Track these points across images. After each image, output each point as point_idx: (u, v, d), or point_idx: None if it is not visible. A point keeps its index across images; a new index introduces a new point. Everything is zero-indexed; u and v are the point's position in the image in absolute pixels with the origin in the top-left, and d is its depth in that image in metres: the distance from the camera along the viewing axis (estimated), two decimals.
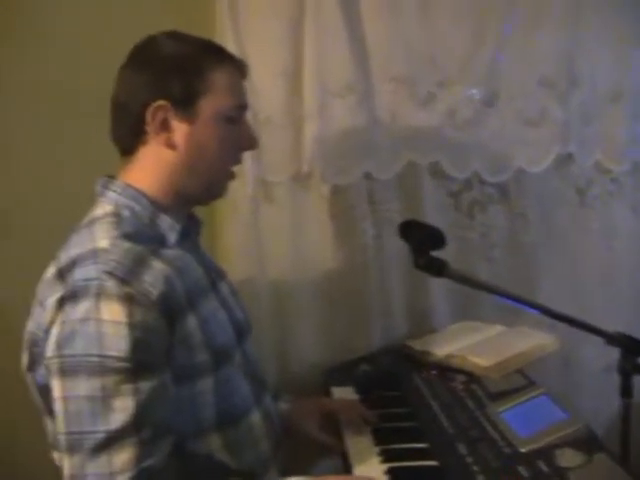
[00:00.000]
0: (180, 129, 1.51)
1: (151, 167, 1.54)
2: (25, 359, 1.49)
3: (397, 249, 2.47)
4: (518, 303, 1.60)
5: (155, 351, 1.36)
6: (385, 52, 2.39)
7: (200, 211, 2.21)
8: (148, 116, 1.49)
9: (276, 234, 2.35)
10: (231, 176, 1.64)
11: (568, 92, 2.63)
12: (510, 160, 2.61)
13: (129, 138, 1.55)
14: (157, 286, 1.37)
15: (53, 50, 2.08)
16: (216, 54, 1.56)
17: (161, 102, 1.49)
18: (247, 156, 2.21)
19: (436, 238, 1.53)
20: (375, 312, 2.50)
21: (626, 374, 1.69)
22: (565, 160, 2.71)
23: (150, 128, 1.51)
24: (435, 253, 1.59)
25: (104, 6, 2.13)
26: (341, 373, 2.32)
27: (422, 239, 1.52)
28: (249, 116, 1.74)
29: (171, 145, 1.52)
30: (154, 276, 1.38)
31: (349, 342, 2.48)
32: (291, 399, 1.95)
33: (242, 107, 1.59)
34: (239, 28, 2.23)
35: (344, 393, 2.18)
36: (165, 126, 1.51)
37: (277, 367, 2.36)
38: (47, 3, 2.10)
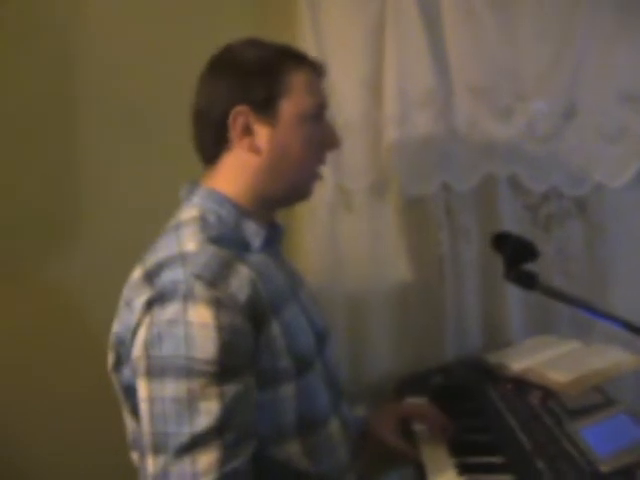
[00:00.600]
0: (263, 133, 1.52)
1: (235, 173, 1.56)
2: (111, 359, 1.50)
3: (473, 260, 2.48)
4: (608, 320, 1.57)
5: (241, 355, 1.36)
6: (465, 63, 2.38)
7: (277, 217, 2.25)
8: (230, 122, 1.51)
9: (353, 242, 2.36)
10: (316, 176, 1.64)
11: None
12: (589, 174, 2.57)
13: (212, 146, 1.57)
14: (244, 290, 1.38)
15: (129, 61, 2.11)
16: (294, 56, 1.57)
17: (242, 107, 1.50)
18: (327, 163, 2.23)
19: (528, 251, 1.51)
20: (450, 323, 2.48)
21: None
22: None
23: (233, 134, 1.52)
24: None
25: (183, 20, 2.17)
26: (415, 383, 2.30)
27: (514, 252, 1.51)
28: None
29: (255, 149, 1.53)
30: (240, 280, 1.39)
31: (423, 352, 2.47)
32: (366, 407, 1.97)
33: (322, 106, 1.59)
34: (320, 36, 2.25)
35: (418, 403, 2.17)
36: (247, 131, 1.52)
37: (350, 375, 2.36)
38: (122, 14, 2.13)
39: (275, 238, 1.66)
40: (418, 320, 2.47)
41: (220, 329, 1.32)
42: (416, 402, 2.16)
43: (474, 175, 2.43)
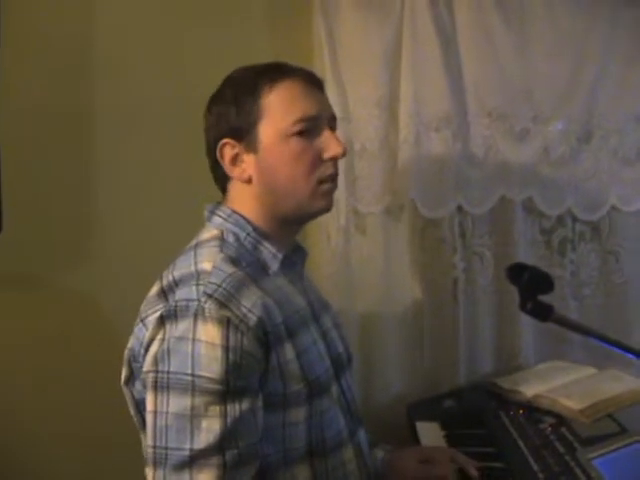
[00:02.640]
0: (249, 161, 1.53)
1: (242, 200, 1.56)
2: (124, 374, 1.51)
3: (487, 284, 2.48)
4: (622, 350, 1.56)
5: (247, 376, 1.36)
6: (481, 85, 2.40)
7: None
8: (218, 156, 1.54)
9: (366, 265, 2.36)
10: (321, 189, 1.54)
11: None
12: (604, 198, 2.58)
13: (219, 178, 1.60)
14: (255, 312, 1.37)
15: (146, 70, 2.12)
16: (271, 74, 1.53)
17: (225, 139, 1.52)
18: (341, 186, 2.23)
19: (544, 282, 1.50)
20: (462, 347, 2.47)
21: None
22: None
23: (224, 166, 1.54)
24: None
25: (200, 33, 2.18)
26: (426, 408, 2.29)
27: (530, 283, 1.50)
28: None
29: (245, 179, 1.54)
30: (253, 302, 1.39)
31: (435, 376, 2.47)
32: (389, 448, 1.87)
33: (309, 119, 1.51)
34: (336, 58, 2.26)
35: (429, 428, 2.16)
36: (236, 161, 1.53)
37: (361, 398, 2.34)
38: (138, 21, 2.14)
39: (298, 262, 1.65)
40: (430, 343, 2.47)
41: (228, 349, 1.33)
42: (424, 431, 2.14)
43: (489, 198, 2.44)
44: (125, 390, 1.53)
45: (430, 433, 2.13)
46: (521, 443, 1.98)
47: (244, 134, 1.51)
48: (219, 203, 1.59)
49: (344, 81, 2.28)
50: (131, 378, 1.50)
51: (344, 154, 1.55)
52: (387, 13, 2.29)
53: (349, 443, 1.59)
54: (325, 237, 2.29)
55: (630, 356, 1.59)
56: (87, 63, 2.11)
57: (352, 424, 1.62)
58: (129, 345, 1.49)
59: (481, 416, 2.20)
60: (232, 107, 1.52)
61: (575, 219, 2.59)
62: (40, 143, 2.08)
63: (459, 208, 2.42)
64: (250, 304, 1.38)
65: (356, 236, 2.34)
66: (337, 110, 2.19)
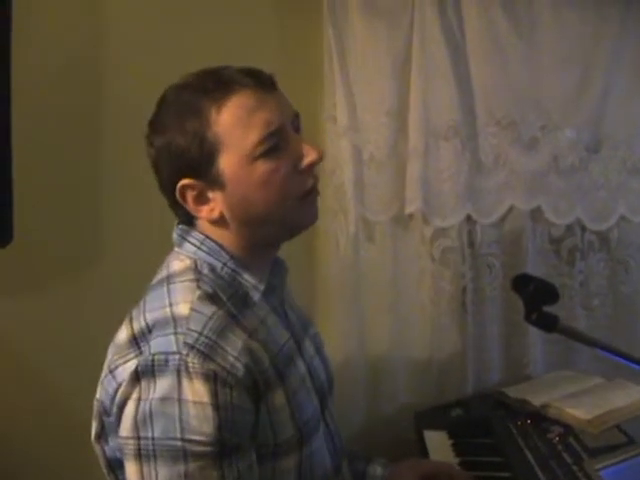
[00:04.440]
0: (216, 198, 1.34)
1: (215, 232, 1.39)
2: (94, 428, 1.36)
3: (495, 293, 2.47)
4: (627, 361, 1.56)
5: (241, 432, 1.23)
6: (490, 94, 2.39)
7: (300, 250, 2.24)
8: (180, 199, 1.34)
9: (375, 273, 2.36)
10: (303, 200, 1.37)
11: None
12: (613, 208, 2.58)
13: (181, 217, 1.42)
14: (242, 361, 1.23)
15: (156, 79, 2.10)
16: (214, 92, 1.31)
17: (183, 181, 1.32)
18: (350, 194, 2.24)
19: (549, 293, 1.50)
20: (470, 356, 2.47)
21: None
22: None
23: (190, 209, 1.36)
24: None
25: (212, 42, 2.19)
26: (434, 416, 2.29)
27: (535, 294, 1.50)
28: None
29: (217, 218, 1.35)
30: (239, 349, 1.24)
31: (443, 385, 2.47)
32: (385, 463, 1.78)
33: (272, 134, 1.30)
34: (346, 67, 2.27)
35: (437, 437, 2.16)
36: (201, 201, 1.35)
37: (369, 407, 2.36)
38: (147, 27, 2.15)
39: (277, 284, 1.49)
40: (438, 352, 2.46)
41: (218, 407, 1.19)
42: (432, 440, 2.14)
43: (498, 207, 2.44)
44: (96, 446, 1.38)
45: (437, 442, 2.13)
46: (528, 453, 1.98)
47: (203, 170, 1.31)
48: (189, 227, 1.41)
49: (353, 90, 2.28)
50: (102, 433, 1.35)
51: (321, 158, 1.37)
52: (397, 22, 2.29)
53: (335, 479, 1.50)
54: (334, 245, 2.29)
55: (637, 367, 1.59)
56: (95, 64, 2.12)
57: (337, 458, 1.52)
58: (97, 396, 1.34)
59: (489, 425, 2.19)
60: (179, 138, 1.30)
61: (584, 228, 2.58)
62: (49, 149, 2.08)
63: (468, 217, 2.43)
64: (236, 352, 1.23)
65: (365, 245, 2.34)
66: (345, 119, 2.23)
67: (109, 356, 1.33)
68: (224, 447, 1.19)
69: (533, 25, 2.41)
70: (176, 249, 1.41)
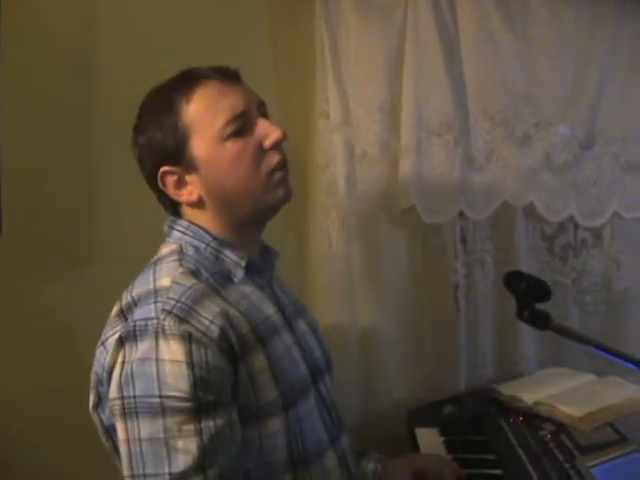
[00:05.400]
0: (194, 181, 1.48)
1: (199, 216, 1.52)
2: (92, 399, 1.47)
3: (488, 290, 2.47)
4: (618, 358, 1.56)
5: (218, 390, 1.32)
6: (484, 90, 2.38)
7: (291, 244, 2.23)
8: (161, 186, 1.49)
9: (367, 270, 2.35)
10: (274, 179, 1.50)
11: None
12: (606, 205, 2.57)
13: (168, 207, 1.56)
14: (217, 324, 1.34)
15: (148, 77, 2.09)
16: (183, 86, 1.47)
17: (162, 168, 1.47)
18: (342, 190, 2.23)
19: (541, 291, 1.50)
20: (463, 353, 2.47)
21: None
22: None
23: (171, 194, 1.50)
24: None
25: (203, 40, 2.17)
26: (426, 414, 2.29)
27: (527, 291, 1.50)
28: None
29: (196, 201, 1.49)
30: (214, 314, 1.35)
31: (435, 382, 2.46)
32: (379, 458, 1.82)
33: (237, 117, 1.46)
34: (339, 62, 2.24)
35: (428, 435, 2.16)
36: (181, 185, 1.49)
37: (361, 404, 2.35)
38: (140, 26, 2.13)
39: (267, 266, 1.62)
40: (431, 349, 2.46)
41: (192, 365, 1.29)
42: (424, 437, 2.14)
43: (491, 204, 2.42)
44: (94, 416, 1.48)
45: (429, 439, 2.13)
46: (520, 450, 1.98)
47: (179, 156, 1.46)
48: (177, 218, 1.55)
49: (346, 85, 2.26)
50: (99, 403, 1.45)
51: (284, 137, 1.50)
52: (390, 17, 2.28)
53: (331, 449, 1.55)
54: (326, 241, 2.27)
55: (629, 365, 1.59)
56: (88, 62, 2.10)
57: (333, 430, 1.59)
58: (94, 369, 1.45)
59: (481, 422, 2.20)
60: (157, 133, 1.46)
61: (577, 225, 2.59)
62: (40, 145, 2.07)
63: (460, 213, 2.41)
64: (211, 316, 1.34)
65: (357, 240, 2.32)
66: (338, 115, 2.21)
67: (102, 332, 1.44)
68: (200, 403, 1.29)
69: (527, 22, 2.40)
70: (166, 239, 1.54)
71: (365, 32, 2.26)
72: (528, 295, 1.49)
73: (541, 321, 1.48)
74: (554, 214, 2.51)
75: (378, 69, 2.29)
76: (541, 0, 2.40)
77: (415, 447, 2.11)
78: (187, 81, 1.48)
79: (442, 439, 2.12)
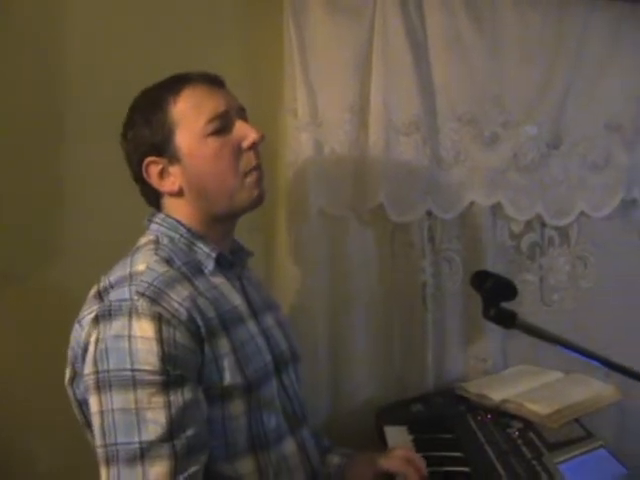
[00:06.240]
0: (176, 172, 1.59)
1: (177, 209, 1.63)
2: (68, 374, 1.57)
3: (456, 288, 2.48)
4: (583, 356, 1.57)
5: (185, 366, 1.42)
6: (451, 90, 2.39)
7: (259, 243, 2.23)
8: (146, 175, 1.60)
9: (335, 269, 2.34)
10: (250, 180, 1.62)
11: (634, 137, 2.64)
12: (573, 204, 2.60)
13: (151, 200, 1.68)
14: (185, 306, 1.44)
15: (116, 75, 2.08)
16: (172, 86, 1.60)
17: (147, 159, 1.59)
18: (309, 189, 2.22)
19: (507, 290, 1.51)
20: (431, 351, 2.47)
21: None
22: (628, 205, 2.70)
23: (153, 184, 1.61)
24: None
25: (171, 39, 2.15)
26: (394, 412, 2.29)
27: (493, 290, 1.50)
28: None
29: (177, 191, 1.60)
30: (183, 298, 1.46)
31: (403, 380, 2.46)
32: (346, 453, 1.89)
33: (219, 116, 1.58)
34: (307, 62, 2.23)
35: (397, 433, 2.15)
36: (164, 176, 1.60)
37: (330, 403, 2.35)
38: (108, 26, 2.11)
39: (238, 262, 1.72)
40: (399, 348, 2.46)
41: (162, 341, 1.39)
42: (392, 436, 2.14)
43: (458, 203, 2.44)
44: (69, 390, 1.58)
45: (398, 437, 2.12)
46: (488, 448, 1.99)
47: (164, 148, 1.57)
48: (156, 211, 1.67)
49: (314, 85, 2.24)
50: (74, 378, 1.55)
51: (261, 139, 1.62)
52: (358, 17, 2.27)
53: (290, 437, 1.64)
54: (294, 241, 2.27)
55: (594, 363, 1.60)
56: (57, 64, 2.08)
57: (294, 420, 1.68)
58: (70, 345, 1.55)
59: (449, 421, 2.20)
60: (145, 128, 1.58)
61: (544, 224, 2.61)
62: (10, 143, 2.05)
63: (428, 213, 2.42)
64: (180, 299, 1.45)
65: (325, 240, 2.31)
66: (306, 113, 2.21)
67: (79, 313, 1.53)
68: (169, 377, 1.38)
69: (495, 22, 2.41)
70: (146, 231, 1.64)
71: (333, 31, 2.25)
72: (494, 294, 1.50)
73: (507, 320, 1.49)
74: (521, 213, 2.53)
75: (346, 68, 2.28)
76: (509, 2, 2.41)
77: (384, 445, 2.10)
78: (176, 82, 1.60)
79: (411, 437, 2.12)
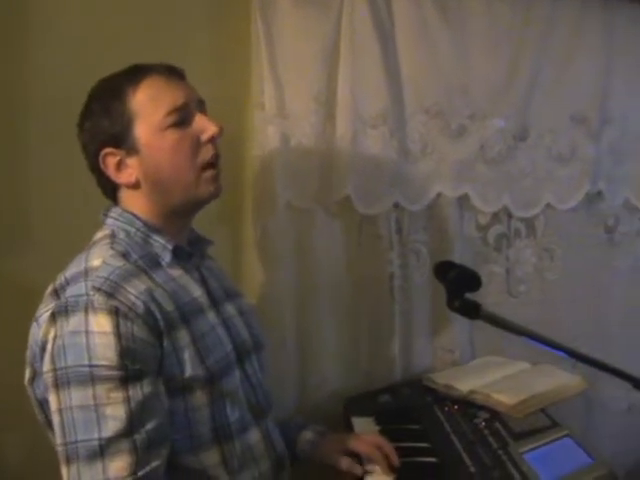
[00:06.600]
0: (133, 164, 1.58)
1: (133, 202, 1.62)
2: (27, 374, 1.55)
3: (423, 280, 2.49)
4: (550, 347, 1.58)
5: (144, 360, 1.42)
6: (419, 83, 2.39)
7: (226, 236, 2.23)
8: (103, 167, 1.59)
9: (303, 261, 2.33)
10: (207, 173, 1.62)
11: (600, 129, 2.66)
12: (539, 196, 2.62)
13: (108, 191, 1.66)
14: (142, 300, 1.44)
15: (79, 72, 2.05)
16: (132, 76, 1.59)
17: (106, 149, 1.57)
18: (277, 181, 2.22)
19: (471, 280, 1.52)
20: (398, 343, 2.48)
21: None
22: (594, 197, 2.72)
23: (110, 175, 1.60)
24: None
25: (135, 34, 2.12)
26: (362, 403, 2.29)
27: (457, 281, 1.51)
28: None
29: (134, 183, 1.59)
30: (140, 291, 1.45)
31: (371, 372, 2.47)
32: (319, 430, 1.96)
33: (178, 109, 1.58)
34: (274, 54, 2.22)
35: (364, 424, 2.16)
36: (121, 167, 1.59)
37: (297, 394, 2.36)
38: (71, 25, 2.09)
39: (195, 252, 1.71)
40: (367, 339, 2.46)
41: (119, 336, 1.38)
42: (360, 427, 2.14)
43: (425, 195, 2.44)
44: (29, 390, 1.56)
45: (365, 428, 2.12)
46: (455, 438, 1.99)
47: (122, 139, 1.56)
48: (112, 205, 1.66)
49: (282, 78, 2.23)
50: (35, 378, 1.53)
51: (220, 132, 1.62)
52: (326, 9, 2.26)
53: (254, 427, 1.66)
54: (261, 234, 2.26)
55: (559, 354, 1.61)
56: (19, 59, 2.06)
57: (258, 409, 1.69)
58: (29, 344, 1.53)
59: (416, 411, 2.20)
60: (103, 118, 1.57)
61: (511, 216, 2.63)
62: None
63: (395, 205, 2.42)
64: (137, 293, 1.45)
65: (292, 233, 2.31)
66: (273, 105, 2.20)
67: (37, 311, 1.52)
68: (127, 372, 1.38)
69: (462, 14, 2.42)
70: (102, 225, 1.63)
71: (301, 23, 2.24)
72: (458, 285, 1.51)
73: (471, 310, 1.50)
74: (488, 205, 2.54)
75: (314, 60, 2.27)
76: None
77: None
78: (136, 72, 1.59)
79: (378, 428, 2.12)
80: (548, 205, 2.64)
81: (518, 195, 2.58)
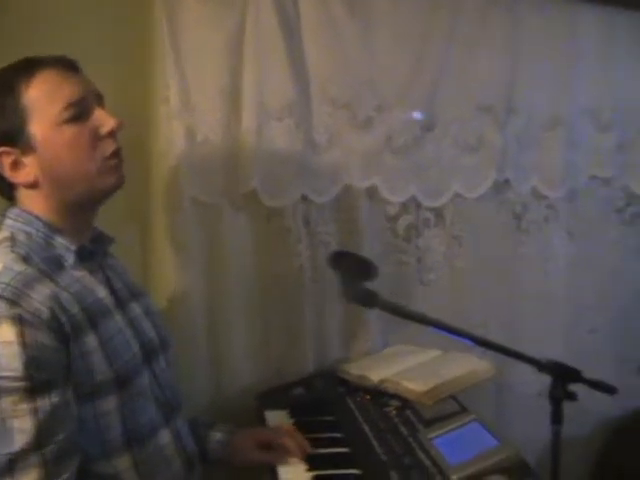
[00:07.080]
0: (30, 162, 1.52)
1: (32, 201, 1.56)
2: None
3: (332, 272, 2.47)
4: (449, 333, 1.60)
5: (51, 369, 1.37)
6: (324, 74, 2.39)
7: (133, 234, 2.21)
8: None
9: (211, 256, 2.31)
10: (108, 166, 1.57)
11: (506, 119, 2.71)
12: (447, 185, 2.65)
13: (4, 191, 1.59)
14: (47, 305, 1.38)
15: None
16: (24, 70, 1.52)
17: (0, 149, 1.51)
18: (183, 177, 2.19)
19: (367, 269, 1.52)
20: (310, 335, 2.48)
21: (556, 401, 1.68)
22: (502, 186, 2.76)
23: (7, 176, 1.53)
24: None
25: (41, 31, 2.07)
26: (275, 397, 2.29)
27: (352, 270, 1.51)
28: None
29: (32, 182, 1.53)
30: (44, 296, 1.39)
31: (283, 365, 2.46)
32: (227, 429, 1.96)
33: (72, 104, 1.52)
34: (178, 48, 2.19)
35: (278, 417, 2.16)
36: (17, 167, 1.52)
37: (210, 390, 2.34)
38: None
39: (99, 251, 1.67)
40: (278, 333, 2.46)
41: (24, 345, 1.33)
42: (273, 420, 2.15)
43: (333, 187, 2.44)
44: None
45: (279, 421, 2.13)
46: (366, 427, 2.02)
47: (17, 138, 1.50)
48: (10, 205, 1.59)
49: (186, 71, 2.20)
50: None
51: (119, 126, 1.57)
52: (230, 2, 2.24)
53: (165, 428, 1.64)
54: (168, 230, 2.23)
55: (465, 341, 1.64)
56: None
57: (168, 409, 1.67)
58: None
59: (329, 403, 2.22)
60: None
61: (419, 206, 2.64)
62: None
63: (304, 197, 2.42)
64: (41, 298, 1.39)
65: (199, 228, 2.28)
66: (178, 100, 2.17)
67: None
68: (34, 382, 1.34)
69: (368, 6, 2.43)
70: (1, 228, 1.56)
71: (204, 15, 2.22)
72: (353, 274, 1.51)
73: (369, 299, 1.50)
74: (396, 195, 2.56)
75: (218, 53, 2.25)
76: None
77: None
78: (28, 67, 1.52)
79: (292, 421, 2.13)
80: (456, 194, 2.67)
81: (426, 185, 2.60)
